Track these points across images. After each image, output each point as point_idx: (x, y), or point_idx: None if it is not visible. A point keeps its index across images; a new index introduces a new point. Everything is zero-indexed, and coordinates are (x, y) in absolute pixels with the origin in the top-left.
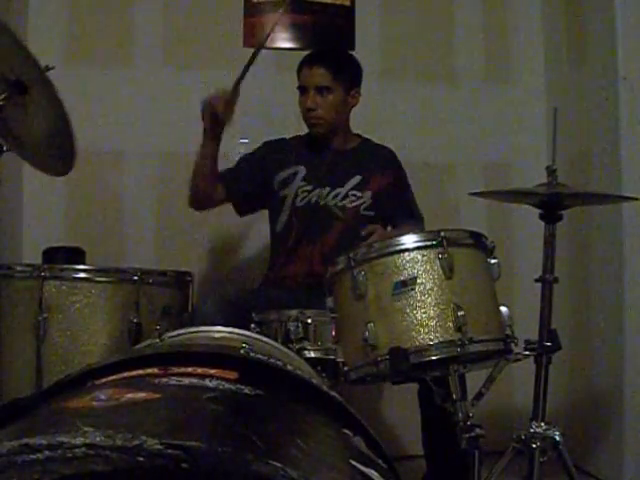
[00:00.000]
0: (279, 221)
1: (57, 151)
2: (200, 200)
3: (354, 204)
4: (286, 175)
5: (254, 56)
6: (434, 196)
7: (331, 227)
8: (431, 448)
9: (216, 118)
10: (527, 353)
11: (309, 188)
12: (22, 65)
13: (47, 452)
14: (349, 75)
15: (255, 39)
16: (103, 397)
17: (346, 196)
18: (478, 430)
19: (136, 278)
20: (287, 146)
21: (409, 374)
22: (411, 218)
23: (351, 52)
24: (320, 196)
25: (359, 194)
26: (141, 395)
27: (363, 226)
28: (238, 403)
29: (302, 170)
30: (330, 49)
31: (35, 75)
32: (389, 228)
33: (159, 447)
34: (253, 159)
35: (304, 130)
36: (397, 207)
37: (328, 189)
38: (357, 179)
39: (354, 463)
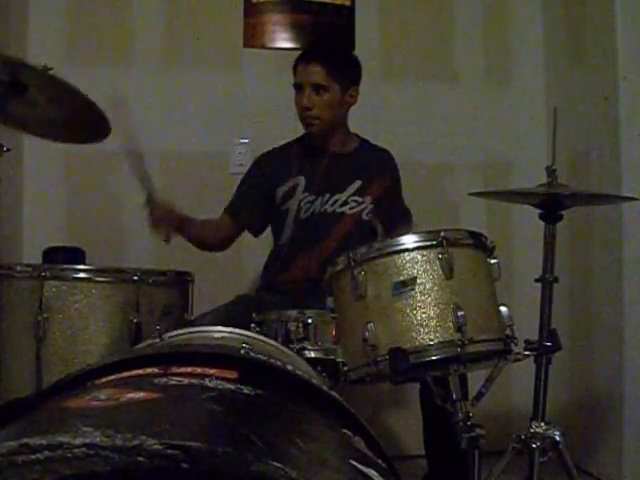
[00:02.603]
0: (283, 234)
1: (88, 122)
2: (219, 249)
3: (355, 210)
4: (287, 188)
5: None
6: (434, 196)
7: (329, 234)
8: (432, 448)
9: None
10: (527, 353)
11: (311, 199)
12: (16, 65)
13: (47, 452)
14: (346, 73)
15: (255, 39)
16: (103, 397)
17: (346, 202)
18: (478, 430)
19: (136, 278)
20: (284, 156)
21: (409, 374)
22: (402, 217)
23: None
24: (321, 204)
25: (360, 199)
26: (141, 395)
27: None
28: (238, 403)
29: (302, 181)
30: (327, 45)
31: (31, 72)
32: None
33: (159, 447)
34: (251, 181)
35: (302, 131)
36: (393, 210)
37: (328, 195)
38: (357, 184)
39: (354, 463)
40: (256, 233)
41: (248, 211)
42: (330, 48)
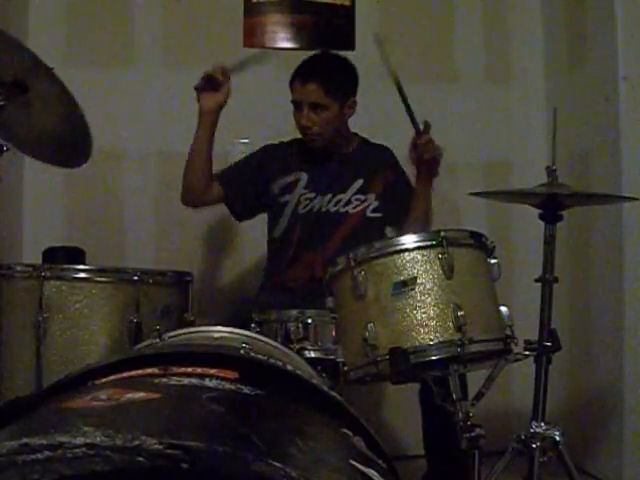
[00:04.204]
0: (278, 227)
1: (70, 143)
2: (193, 195)
3: (358, 208)
4: (288, 181)
5: None
6: (434, 196)
7: (333, 234)
8: (432, 448)
9: (214, 87)
10: (527, 353)
11: (311, 196)
12: (21, 64)
13: (47, 452)
14: (343, 88)
15: (255, 39)
16: (103, 397)
17: (349, 202)
18: (478, 430)
19: (136, 278)
20: (288, 151)
21: (409, 374)
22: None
23: (349, 53)
24: (322, 203)
25: (363, 197)
26: (141, 395)
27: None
28: (238, 403)
29: (304, 177)
30: (322, 59)
31: (35, 73)
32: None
33: (159, 447)
34: (253, 162)
35: None
36: (403, 205)
37: (330, 195)
38: (359, 183)
39: (354, 463)
40: (239, 218)
41: (239, 191)
42: (325, 63)
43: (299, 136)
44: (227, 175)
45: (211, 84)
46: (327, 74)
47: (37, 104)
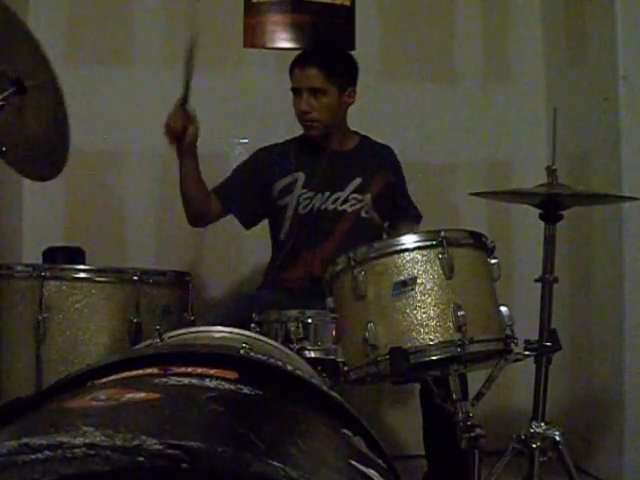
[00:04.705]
0: (282, 230)
1: (46, 156)
2: (196, 218)
3: (354, 207)
4: (286, 183)
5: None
6: (434, 196)
7: (332, 233)
8: (432, 448)
9: (176, 134)
10: (527, 353)
11: (311, 195)
12: (25, 63)
13: (47, 452)
14: (343, 74)
15: (255, 39)
16: (103, 397)
17: (346, 200)
18: (478, 430)
19: (136, 278)
20: (284, 151)
21: (409, 374)
22: (406, 217)
23: (349, 51)
24: (321, 201)
25: (360, 197)
26: (141, 395)
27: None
28: (238, 403)
29: (301, 177)
30: (323, 47)
31: (37, 74)
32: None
33: (159, 447)
34: (247, 168)
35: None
36: (395, 206)
37: (328, 193)
38: (357, 182)
39: (354, 463)
40: (246, 225)
41: (240, 201)
42: (326, 50)
43: (295, 136)
44: (223, 188)
45: (175, 134)
46: (327, 60)
47: (30, 108)
